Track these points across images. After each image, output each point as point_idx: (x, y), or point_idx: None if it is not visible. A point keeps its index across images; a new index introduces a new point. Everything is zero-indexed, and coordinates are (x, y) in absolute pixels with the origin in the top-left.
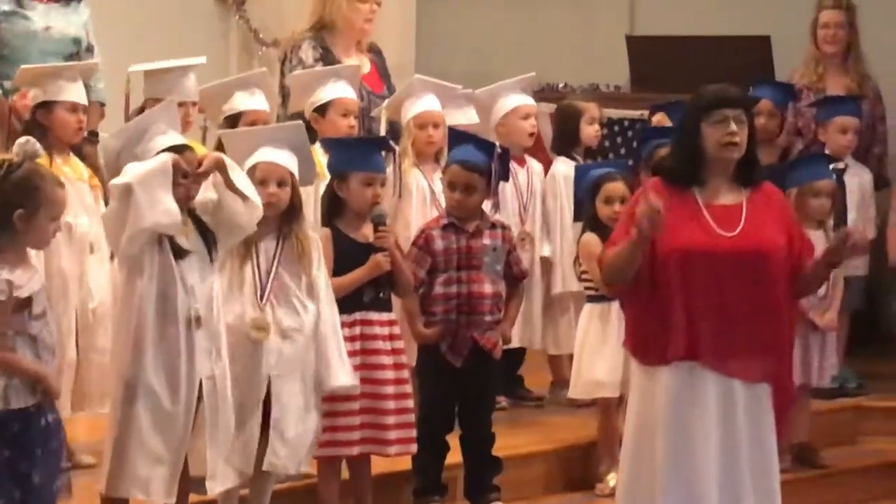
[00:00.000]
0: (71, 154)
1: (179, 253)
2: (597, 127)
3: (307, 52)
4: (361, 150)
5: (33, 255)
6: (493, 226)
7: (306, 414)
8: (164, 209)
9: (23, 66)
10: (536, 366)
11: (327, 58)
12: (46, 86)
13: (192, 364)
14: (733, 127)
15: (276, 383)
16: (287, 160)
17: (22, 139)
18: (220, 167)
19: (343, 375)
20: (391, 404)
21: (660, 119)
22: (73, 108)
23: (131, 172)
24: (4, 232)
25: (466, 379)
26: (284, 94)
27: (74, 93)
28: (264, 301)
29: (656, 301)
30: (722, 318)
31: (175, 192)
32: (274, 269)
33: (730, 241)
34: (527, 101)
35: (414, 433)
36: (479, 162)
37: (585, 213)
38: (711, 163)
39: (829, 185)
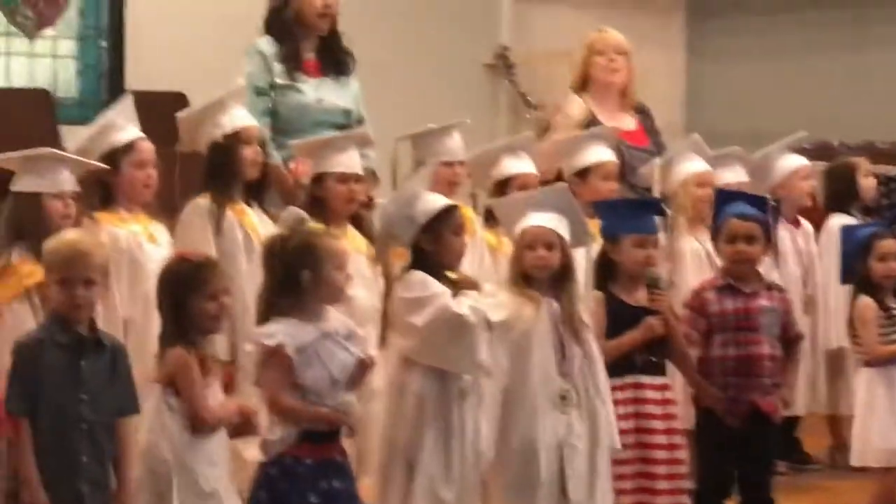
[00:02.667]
0: (349, 226)
1: None
2: (873, 180)
3: (575, 107)
4: (634, 213)
5: None
6: (770, 287)
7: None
8: (477, 361)
9: (294, 141)
10: (809, 428)
11: (591, 119)
12: (318, 157)
13: (463, 438)
14: None
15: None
16: (554, 223)
17: (284, 212)
18: None
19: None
20: (662, 469)
21: None
22: (343, 178)
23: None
24: (290, 296)
25: (746, 443)
26: None
27: (343, 163)
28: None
29: None
30: None
31: None
32: None
33: None
34: (805, 161)
35: (686, 500)
36: (755, 214)
37: (856, 273)
38: None
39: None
